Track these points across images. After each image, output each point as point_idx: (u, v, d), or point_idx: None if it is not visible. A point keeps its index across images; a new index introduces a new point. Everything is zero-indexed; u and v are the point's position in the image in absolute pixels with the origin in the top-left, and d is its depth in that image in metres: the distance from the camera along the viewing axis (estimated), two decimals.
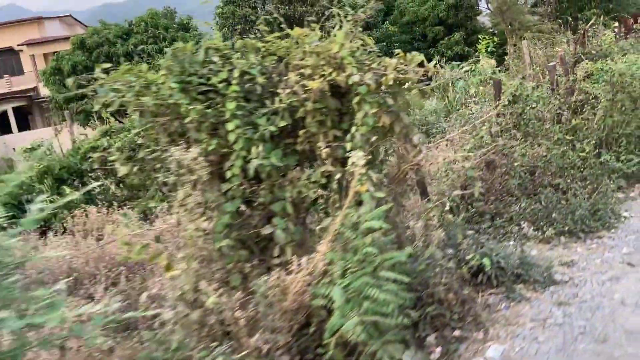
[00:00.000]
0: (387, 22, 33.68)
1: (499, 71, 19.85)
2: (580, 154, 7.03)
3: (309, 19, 4.73)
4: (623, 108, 7.00)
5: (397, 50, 4.03)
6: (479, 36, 16.82)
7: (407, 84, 4.08)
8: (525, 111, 8.01)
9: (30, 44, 38.60)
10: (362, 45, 4.00)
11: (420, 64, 4.19)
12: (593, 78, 8.90)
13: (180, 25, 34.56)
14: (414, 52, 3.97)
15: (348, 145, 3.79)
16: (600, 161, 6.72)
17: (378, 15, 33.14)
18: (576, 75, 8.93)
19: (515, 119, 8.08)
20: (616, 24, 34.40)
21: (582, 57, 9.94)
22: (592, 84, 7.83)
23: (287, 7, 29.08)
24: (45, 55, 37.66)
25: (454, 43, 30.76)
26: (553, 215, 5.62)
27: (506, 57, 18.83)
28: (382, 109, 3.84)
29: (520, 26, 28.71)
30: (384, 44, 31.38)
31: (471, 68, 14.79)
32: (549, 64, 10.30)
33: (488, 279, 4.52)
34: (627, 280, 4.42)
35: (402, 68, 3.81)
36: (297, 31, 4.33)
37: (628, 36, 13.67)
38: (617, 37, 19.95)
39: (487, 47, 15.29)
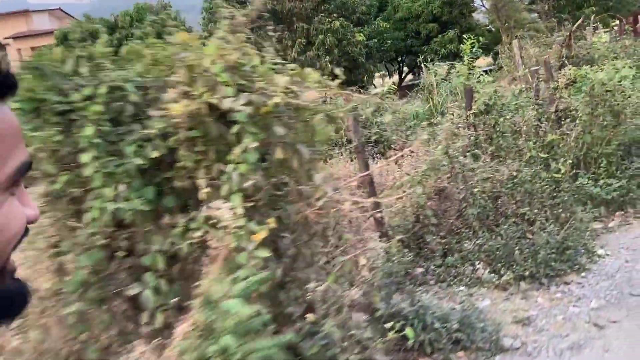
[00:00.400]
0: (379, 18, 32.68)
1: (491, 71, 18.99)
2: (555, 175, 6.16)
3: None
4: (604, 123, 6.11)
5: (290, 66, 3.16)
6: (464, 36, 15.89)
7: (313, 106, 3.23)
8: (499, 122, 7.16)
9: (17, 37, 37.76)
10: (245, 55, 3.11)
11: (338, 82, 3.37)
12: (576, 86, 8.03)
13: (169, 19, 33.57)
14: (308, 69, 3.10)
15: (224, 189, 2.93)
16: (575, 185, 5.85)
17: (370, 10, 32.17)
18: (557, 82, 8.05)
19: (488, 131, 7.25)
20: (617, 22, 33.50)
21: (566, 61, 9.04)
22: (573, 93, 6.96)
23: (275, 2, 28.10)
24: (33, 49, 36.76)
25: (447, 41, 29.77)
26: (514, 254, 4.75)
27: (501, 57, 17.95)
28: (271, 140, 2.98)
29: (515, 24, 27.77)
30: (376, 40, 30.44)
31: (457, 69, 13.95)
32: (532, 68, 9.45)
33: (421, 345, 3.66)
34: (591, 351, 3.55)
35: (293, 90, 2.94)
36: (180, 36, 3.44)
37: (621, 37, 12.77)
38: (618, 37, 18.99)
39: (473, 47, 14.38)
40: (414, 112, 14.25)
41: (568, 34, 10.00)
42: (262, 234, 2.97)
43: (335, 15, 29.26)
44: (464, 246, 5.00)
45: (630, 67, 7.76)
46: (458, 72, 13.72)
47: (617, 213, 5.87)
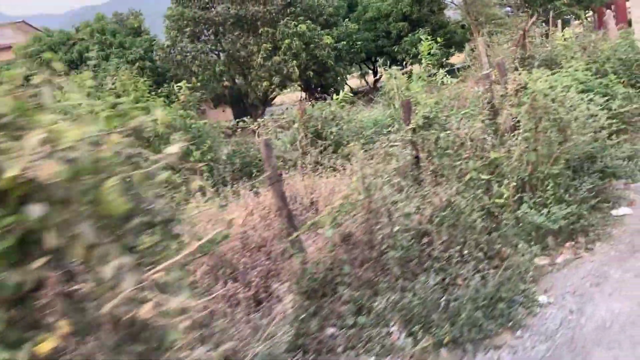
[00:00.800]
0: (348, 19, 31.85)
1: (461, 70, 18.19)
2: (497, 201, 5.36)
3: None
4: (550, 139, 5.32)
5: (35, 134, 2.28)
6: (422, 37, 15.07)
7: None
8: (441, 138, 6.36)
9: None
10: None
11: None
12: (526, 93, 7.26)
13: (132, 29, 32.59)
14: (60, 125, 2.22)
15: None
16: (518, 214, 5.05)
17: (339, 12, 31.31)
18: (506, 88, 7.28)
19: (430, 148, 6.44)
20: (590, 14, 32.90)
21: (519, 63, 8.27)
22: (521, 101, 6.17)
23: (238, 7, 27.20)
24: None
25: (418, 40, 28.98)
26: (433, 313, 3.92)
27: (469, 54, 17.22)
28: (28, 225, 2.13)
29: (486, 20, 27.09)
30: (345, 42, 29.59)
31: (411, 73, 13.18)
32: (483, 72, 8.67)
33: None
34: None
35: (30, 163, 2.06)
36: None
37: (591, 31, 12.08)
38: (595, 29, 18.23)
39: (431, 49, 13.58)
40: (372, 120, 13.46)
41: (522, 32, 9.21)
42: (48, 344, 2.12)
43: (301, 18, 28.43)
44: (379, 301, 4.16)
45: (585, 71, 7.00)
46: (419, 76, 12.95)
47: (567, 244, 5.07)
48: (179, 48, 27.42)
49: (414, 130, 6.47)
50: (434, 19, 30.38)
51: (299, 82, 29.16)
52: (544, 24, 15.76)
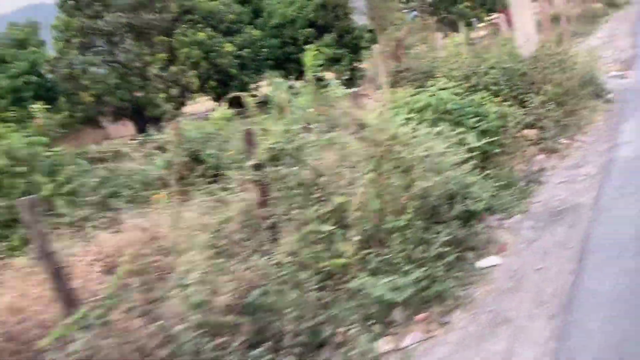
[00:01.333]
0: (253, 26, 30.52)
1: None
2: (335, 262, 4.25)
3: None
4: (395, 183, 4.27)
5: None
6: (306, 47, 14.08)
7: None
8: (290, 175, 5.23)
9: None
10: None
11: None
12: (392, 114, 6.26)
13: (16, 41, 29.74)
14: None
15: None
16: (353, 287, 3.95)
17: (241, 18, 29.89)
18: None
19: (276, 188, 5.29)
20: (495, 16, 33.22)
21: (387, 80, 7.31)
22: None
23: (131, 15, 25.27)
24: None
25: (324, 46, 28.15)
26: None
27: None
28: None
29: (390, 24, 26.54)
30: (250, 50, 28.25)
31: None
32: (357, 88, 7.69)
33: None
34: None
35: None
36: None
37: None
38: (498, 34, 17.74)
39: (317, 59, 12.56)
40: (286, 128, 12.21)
41: (395, 42, 8.27)
42: None
43: (201, 25, 26.91)
44: None
45: (456, 86, 6.08)
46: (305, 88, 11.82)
47: (418, 316, 4.03)
48: (67, 61, 25.19)
49: (257, 166, 5.31)
50: (340, 25, 29.67)
51: (199, 93, 27.55)
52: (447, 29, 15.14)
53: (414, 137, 4.32)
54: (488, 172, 5.92)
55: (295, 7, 29.65)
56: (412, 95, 6.08)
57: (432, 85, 6.34)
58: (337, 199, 4.74)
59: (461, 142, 5.06)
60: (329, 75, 26.86)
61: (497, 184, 5.84)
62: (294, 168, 5.18)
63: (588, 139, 7.66)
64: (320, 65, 13.11)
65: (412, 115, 5.73)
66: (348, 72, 29.12)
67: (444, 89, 6.05)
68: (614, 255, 4.30)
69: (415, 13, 32.08)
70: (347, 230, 4.54)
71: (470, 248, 4.77)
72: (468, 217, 4.87)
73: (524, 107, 7.62)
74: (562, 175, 6.44)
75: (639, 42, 17.07)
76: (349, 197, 4.71)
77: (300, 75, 14.79)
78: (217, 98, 30.04)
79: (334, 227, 4.58)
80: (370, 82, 6.86)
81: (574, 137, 7.66)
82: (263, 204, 5.13)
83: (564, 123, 7.68)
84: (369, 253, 4.38)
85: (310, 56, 12.76)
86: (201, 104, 32.59)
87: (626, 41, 17.44)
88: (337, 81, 12.42)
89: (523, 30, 8.73)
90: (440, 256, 4.32)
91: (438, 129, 4.73)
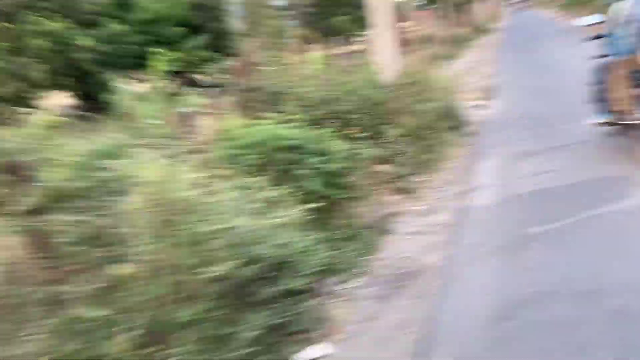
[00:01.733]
0: (121, 20, 28.02)
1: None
2: None
3: None
4: (185, 263, 3.16)
5: None
6: (160, 50, 12.68)
7: None
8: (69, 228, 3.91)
9: None
10: None
11: None
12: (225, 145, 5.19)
13: None
14: None
15: None
16: None
17: (109, 10, 27.27)
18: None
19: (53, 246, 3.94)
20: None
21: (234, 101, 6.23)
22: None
23: None
24: None
25: (195, 47, 26.49)
26: None
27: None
28: None
29: (267, 31, 25.60)
30: (113, 46, 25.75)
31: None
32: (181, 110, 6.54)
33: None
34: None
35: None
36: None
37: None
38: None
39: (170, 64, 11.18)
40: (94, 150, 10.50)
41: (243, 58, 7.20)
42: None
43: (58, 15, 24.08)
44: None
45: (298, 122, 5.13)
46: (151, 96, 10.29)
47: None
48: None
49: (30, 212, 3.98)
50: (216, 27, 28.20)
51: (51, 89, 24.67)
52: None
53: (216, 200, 3.25)
54: (330, 222, 5.05)
55: (168, 4, 27.71)
56: (246, 127, 5.03)
57: (271, 119, 5.35)
58: (115, 269, 3.52)
59: (291, 194, 4.07)
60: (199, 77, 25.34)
61: (338, 236, 4.97)
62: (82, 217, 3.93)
63: (445, 178, 7.10)
64: (170, 72, 11.66)
65: (237, 151, 4.68)
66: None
67: (284, 123, 5.07)
68: (457, 351, 3.48)
69: (296, 22, 31.40)
70: (129, 317, 3.35)
71: (293, 333, 3.78)
72: (293, 293, 3.88)
73: (379, 139, 6.89)
74: (413, 224, 5.72)
75: (501, 68, 17.56)
76: (137, 266, 3.52)
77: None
78: (78, 96, 27.20)
79: (109, 314, 3.37)
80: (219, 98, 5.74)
81: (431, 175, 7.06)
82: (33, 267, 3.81)
83: (420, 159, 7.05)
84: (154, 352, 3.22)
85: (162, 60, 11.28)
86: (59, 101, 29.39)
87: (489, 67, 17.89)
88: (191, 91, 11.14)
89: (383, 53, 8.09)
90: (251, 354, 3.27)
91: (255, 179, 3.71)
